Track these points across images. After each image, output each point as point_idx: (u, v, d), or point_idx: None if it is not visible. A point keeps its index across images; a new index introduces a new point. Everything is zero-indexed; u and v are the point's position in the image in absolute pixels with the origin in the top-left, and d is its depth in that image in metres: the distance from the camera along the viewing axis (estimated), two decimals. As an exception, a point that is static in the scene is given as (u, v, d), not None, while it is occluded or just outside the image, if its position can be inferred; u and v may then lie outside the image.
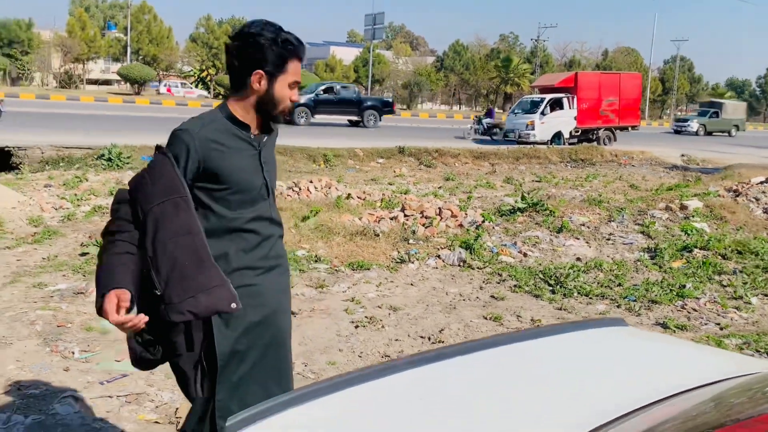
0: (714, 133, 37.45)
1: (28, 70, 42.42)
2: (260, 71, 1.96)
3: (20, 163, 12.03)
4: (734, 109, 40.79)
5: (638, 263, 6.65)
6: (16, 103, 26.59)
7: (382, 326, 4.68)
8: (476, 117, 27.20)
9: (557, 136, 22.77)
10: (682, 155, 21.26)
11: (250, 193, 2.01)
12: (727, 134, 38.20)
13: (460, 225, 7.88)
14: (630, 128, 25.51)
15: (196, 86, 47.59)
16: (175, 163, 1.89)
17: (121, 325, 1.79)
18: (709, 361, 1.69)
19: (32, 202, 8.33)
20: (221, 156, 1.95)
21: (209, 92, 45.80)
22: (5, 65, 38.01)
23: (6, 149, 12.32)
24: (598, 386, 1.40)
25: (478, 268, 6.31)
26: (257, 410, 1.18)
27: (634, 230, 8.15)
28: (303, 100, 24.02)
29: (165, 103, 33.77)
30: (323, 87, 25.73)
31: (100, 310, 1.79)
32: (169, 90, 44.20)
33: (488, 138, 23.93)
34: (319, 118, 24.90)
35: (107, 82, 52.19)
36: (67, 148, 12.96)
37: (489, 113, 28.34)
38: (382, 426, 1.23)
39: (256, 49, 1.95)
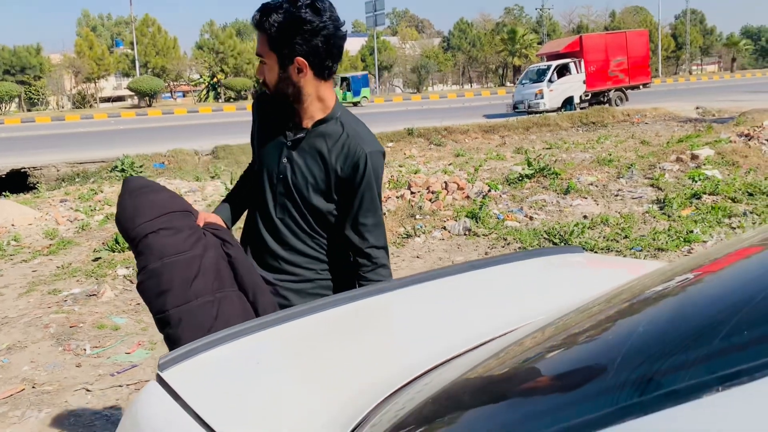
0: None
1: (42, 94, 43.09)
2: None
3: (37, 183, 12.28)
4: None
5: (646, 215, 6.59)
6: (32, 127, 27.10)
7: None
8: None
9: (568, 102, 22.49)
10: (697, 108, 20.85)
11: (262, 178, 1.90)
12: None
13: (467, 197, 7.88)
14: (641, 86, 25.15)
15: (207, 92, 47.90)
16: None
17: None
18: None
19: (48, 217, 8.52)
20: (266, 124, 1.92)
21: (220, 97, 46.04)
22: (18, 92, 38.63)
23: (22, 170, 12.59)
24: (510, 308, 1.43)
25: (483, 235, 6.31)
26: (188, 348, 1.22)
27: (643, 184, 8.06)
28: None
29: (177, 112, 34.18)
30: None
31: None
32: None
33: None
34: None
35: (120, 98, 52.76)
36: (81, 163, 13.20)
37: None
38: (309, 356, 1.27)
39: None
